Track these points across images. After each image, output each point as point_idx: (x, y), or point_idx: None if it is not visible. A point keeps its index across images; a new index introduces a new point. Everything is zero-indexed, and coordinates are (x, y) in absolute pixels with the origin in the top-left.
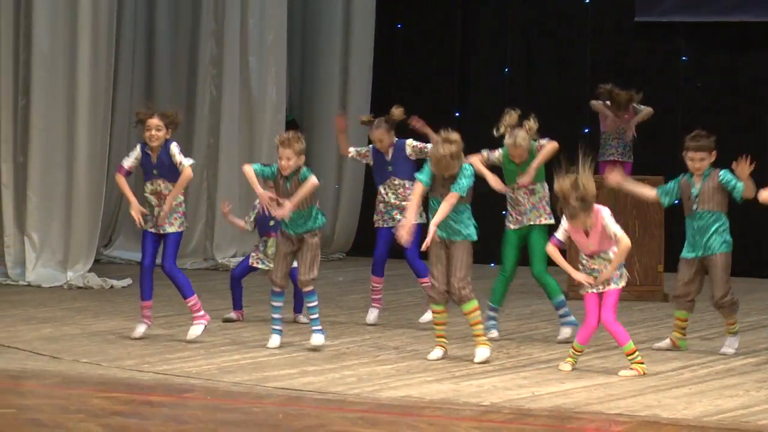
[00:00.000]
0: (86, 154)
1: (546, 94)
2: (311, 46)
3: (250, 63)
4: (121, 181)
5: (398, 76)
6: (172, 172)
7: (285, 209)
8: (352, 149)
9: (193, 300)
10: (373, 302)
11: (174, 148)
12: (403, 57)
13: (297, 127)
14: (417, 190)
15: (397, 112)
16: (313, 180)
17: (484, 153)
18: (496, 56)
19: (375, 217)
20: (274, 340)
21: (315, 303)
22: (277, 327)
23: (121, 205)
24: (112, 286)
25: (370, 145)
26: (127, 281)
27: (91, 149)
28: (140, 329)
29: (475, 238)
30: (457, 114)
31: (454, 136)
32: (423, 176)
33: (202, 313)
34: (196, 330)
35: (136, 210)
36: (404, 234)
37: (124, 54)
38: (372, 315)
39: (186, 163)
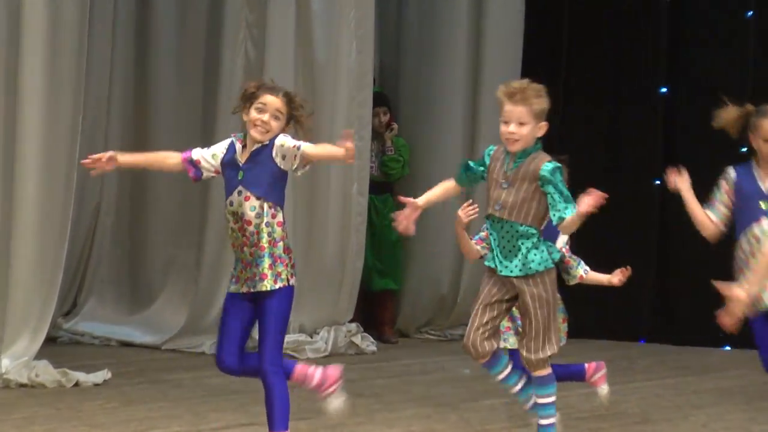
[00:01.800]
0: (36, 171)
1: None
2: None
3: (313, 9)
4: (170, 154)
5: (569, 37)
6: (264, 180)
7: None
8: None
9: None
10: None
11: (283, 137)
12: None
13: (387, 104)
14: None
15: None
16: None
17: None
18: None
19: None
20: None
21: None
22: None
23: (92, 249)
24: (77, 383)
25: None
26: (103, 374)
27: (45, 164)
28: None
29: None
30: (663, 90)
31: None
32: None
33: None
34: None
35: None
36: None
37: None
38: None
39: (303, 144)
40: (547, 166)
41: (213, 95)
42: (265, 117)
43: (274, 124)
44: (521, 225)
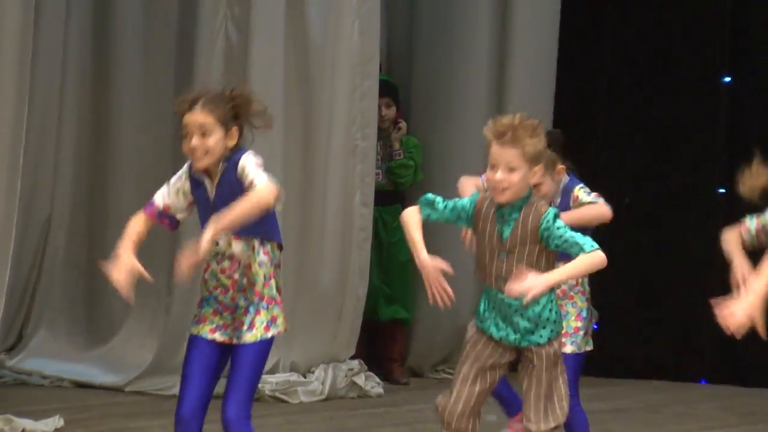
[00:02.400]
0: None
1: None
2: None
3: None
4: (137, 223)
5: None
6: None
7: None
8: None
9: None
10: None
11: (247, 159)
12: None
13: (393, 95)
14: None
15: None
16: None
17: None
18: None
19: None
20: None
21: None
22: None
23: (41, 271)
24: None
25: None
26: (54, 422)
27: None
28: None
29: None
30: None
31: None
32: None
33: None
34: None
35: (120, 270)
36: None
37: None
38: None
39: (258, 180)
40: (546, 217)
41: (186, 88)
42: (193, 142)
43: (208, 142)
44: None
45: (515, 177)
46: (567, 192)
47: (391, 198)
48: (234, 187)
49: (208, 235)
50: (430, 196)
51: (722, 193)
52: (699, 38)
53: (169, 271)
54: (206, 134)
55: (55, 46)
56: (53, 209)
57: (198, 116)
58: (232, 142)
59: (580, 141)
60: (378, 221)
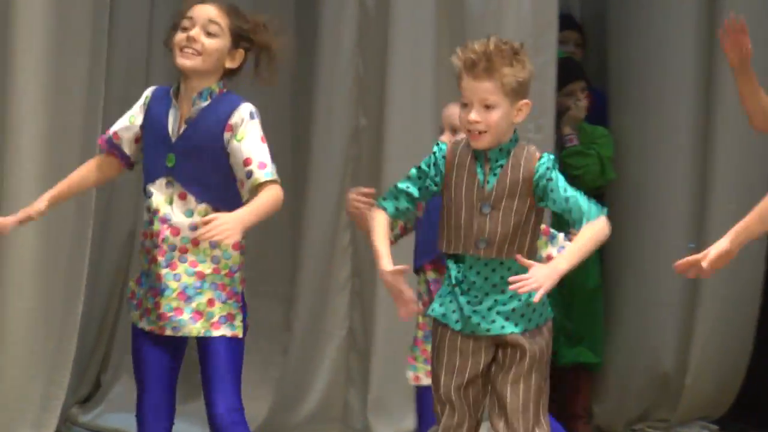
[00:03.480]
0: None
1: None
2: None
3: None
4: (90, 167)
5: None
6: (212, 175)
7: None
8: None
9: None
10: None
11: (248, 116)
12: None
13: (584, 77)
14: None
15: None
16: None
17: None
18: None
19: None
20: None
21: None
22: None
23: (122, 305)
24: None
25: None
26: None
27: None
28: None
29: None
30: None
31: None
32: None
33: None
34: None
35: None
36: None
37: None
38: None
39: (264, 176)
40: (542, 162)
41: (308, 67)
42: (193, 32)
43: (211, 44)
44: (515, 264)
45: (494, 116)
46: None
47: None
48: (211, 137)
49: (235, 233)
50: (396, 185)
51: None
52: None
53: (290, 301)
54: (211, 34)
55: (137, 42)
56: (137, 224)
57: (210, 11)
58: (232, 64)
59: None
60: None
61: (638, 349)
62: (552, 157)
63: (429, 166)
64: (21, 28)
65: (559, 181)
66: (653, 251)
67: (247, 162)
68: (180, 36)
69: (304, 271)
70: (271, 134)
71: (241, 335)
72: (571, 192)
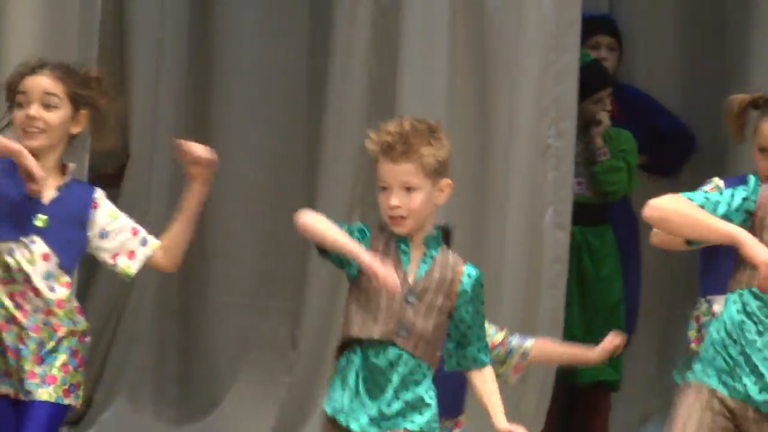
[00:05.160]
0: None
1: None
2: None
3: None
4: None
5: None
6: (73, 244)
7: None
8: None
9: None
10: None
11: (108, 204)
12: None
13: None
14: None
15: None
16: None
17: None
18: None
19: None
20: None
21: None
22: None
23: (123, 314)
24: None
25: None
26: None
27: None
28: None
29: None
30: None
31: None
32: None
33: None
34: None
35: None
36: None
37: None
38: None
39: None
40: (470, 273)
41: (321, 67)
42: (32, 110)
43: (53, 118)
44: (426, 365)
45: (416, 200)
46: None
47: (597, 214)
48: (74, 216)
49: None
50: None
51: None
52: None
53: (294, 316)
54: (50, 107)
55: (149, 31)
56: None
57: (44, 83)
58: (77, 129)
59: None
60: (581, 247)
61: (661, 363)
62: (477, 272)
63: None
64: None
65: (476, 309)
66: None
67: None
68: (19, 116)
69: (312, 287)
70: (283, 141)
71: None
72: (482, 321)
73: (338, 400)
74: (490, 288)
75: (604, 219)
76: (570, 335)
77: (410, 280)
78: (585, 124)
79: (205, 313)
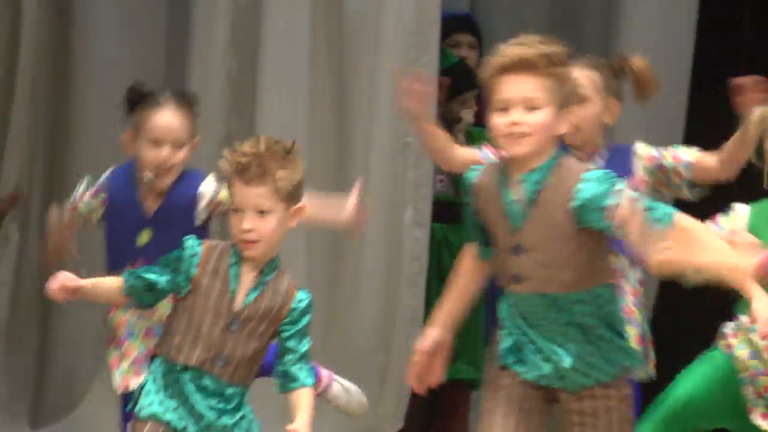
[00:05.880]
0: None
1: None
2: None
3: None
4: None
5: None
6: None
7: None
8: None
9: None
10: None
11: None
12: None
13: (476, 83)
14: None
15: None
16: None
17: None
18: None
19: None
20: None
21: None
22: None
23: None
24: None
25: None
26: None
27: None
28: None
29: None
30: None
31: None
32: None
33: None
34: None
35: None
36: None
37: None
38: None
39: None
40: (301, 299)
41: (180, 65)
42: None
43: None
44: (243, 389)
45: (269, 223)
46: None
47: (458, 212)
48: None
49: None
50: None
51: None
52: None
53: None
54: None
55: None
56: None
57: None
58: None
59: None
60: (441, 245)
61: None
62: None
63: (178, 263)
64: None
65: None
66: None
67: None
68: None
69: None
70: None
71: None
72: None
73: (154, 403)
74: (350, 286)
75: (463, 217)
76: None
77: (236, 306)
78: (448, 123)
79: (62, 308)
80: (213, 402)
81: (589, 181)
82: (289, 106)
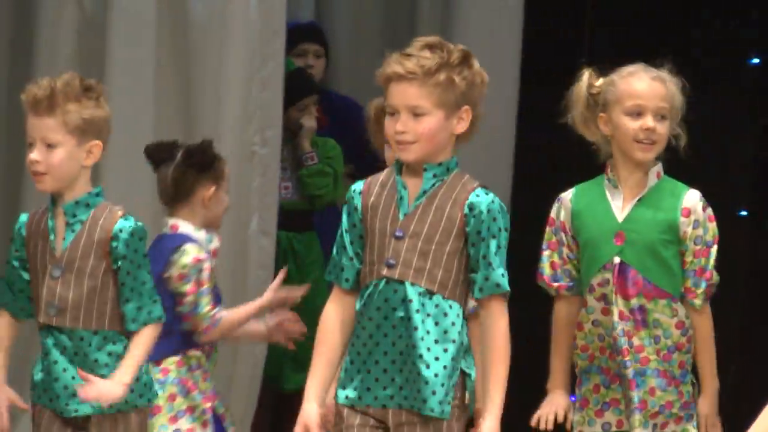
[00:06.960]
0: None
1: None
2: None
3: None
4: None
5: None
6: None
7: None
8: None
9: None
10: None
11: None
12: None
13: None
14: None
15: None
16: None
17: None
18: None
19: None
20: None
21: None
22: None
23: None
24: None
25: None
26: None
27: None
28: None
29: None
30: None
31: None
32: None
33: None
34: None
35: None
36: None
37: None
38: None
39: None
40: (122, 228)
41: (24, 70)
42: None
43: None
44: (91, 331)
45: (56, 156)
46: None
47: (303, 220)
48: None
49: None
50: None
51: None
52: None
53: None
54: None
55: None
56: None
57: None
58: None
59: None
60: (287, 253)
61: None
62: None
63: (13, 242)
64: None
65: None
66: None
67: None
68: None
69: None
70: None
71: None
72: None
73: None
74: None
75: (309, 226)
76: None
77: (56, 254)
78: (292, 131)
79: None
80: (69, 358)
81: (487, 196)
82: (135, 115)
